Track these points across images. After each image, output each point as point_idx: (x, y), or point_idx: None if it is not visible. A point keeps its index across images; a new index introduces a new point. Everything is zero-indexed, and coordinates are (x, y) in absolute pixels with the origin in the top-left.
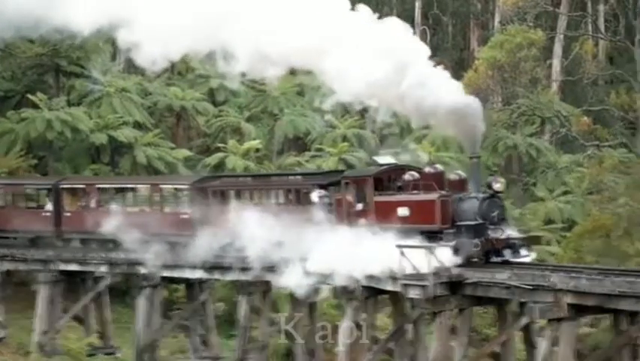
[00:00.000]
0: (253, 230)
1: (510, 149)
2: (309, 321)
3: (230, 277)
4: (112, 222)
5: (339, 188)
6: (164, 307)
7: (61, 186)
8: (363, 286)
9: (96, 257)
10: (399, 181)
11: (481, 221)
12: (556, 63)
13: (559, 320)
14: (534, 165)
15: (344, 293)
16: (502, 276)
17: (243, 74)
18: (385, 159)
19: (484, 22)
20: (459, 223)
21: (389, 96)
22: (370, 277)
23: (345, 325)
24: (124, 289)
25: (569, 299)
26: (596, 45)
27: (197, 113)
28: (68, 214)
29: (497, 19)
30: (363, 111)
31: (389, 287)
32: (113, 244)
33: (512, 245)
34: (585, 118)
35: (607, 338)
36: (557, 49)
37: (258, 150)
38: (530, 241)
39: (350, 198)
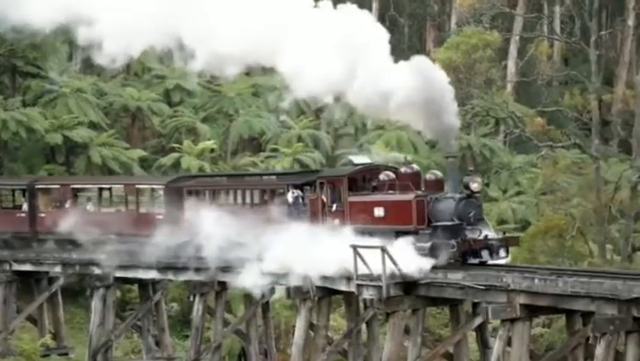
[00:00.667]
0: (220, 230)
1: (464, 149)
2: (263, 321)
3: (184, 277)
4: (87, 222)
5: (314, 188)
6: (118, 308)
7: (36, 187)
8: (318, 287)
9: (50, 257)
10: (374, 181)
11: (457, 222)
12: (511, 64)
13: (512, 320)
14: (488, 165)
15: (298, 294)
16: (455, 276)
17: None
18: (361, 158)
19: (441, 23)
20: (435, 224)
21: (351, 91)
22: (325, 278)
23: (299, 325)
24: (77, 290)
25: (522, 300)
26: (551, 46)
27: (152, 113)
28: (43, 215)
29: (454, 20)
30: (319, 112)
31: (343, 288)
32: (87, 244)
33: (490, 246)
34: (539, 119)
35: (560, 338)
36: (513, 50)
37: (212, 150)
38: (509, 242)
39: (325, 198)
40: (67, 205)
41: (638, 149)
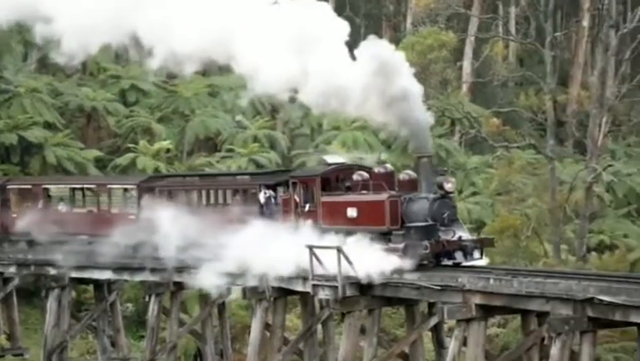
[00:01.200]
0: (187, 230)
1: None
2: (219, 322)
3: (139, 277)
4: (59, 223)
5: (286, 188)
6: (73, 308)
7: (8, 187)
8: (273, 287)
9: (4, 258)
10: (348, 181)
11: (431, 222)
12: (466, 65)
13: (468, 320)
14: (443, 165)
15: (254, 294)
16: (411, 276)
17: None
18: (334, 158)
19: (397, 24)
20: (408, 225)
21: (305, 87)
22: (280, 278)
23: (255, 325)
24: (32, 290)
25: (477, 300)
26: (506, 47)
27: (107, 113)
28: (14, 215)
29: (409, 21)
30: (274, 112)
31: (299, 288)
32: (58, 245)
33: (464, 247)
34: (494, 119)
35: (516, 339)
36: (468, 51)
37: (168, 150)
38: (483, 243)
39: (297, 198)
40: (39, 205)
41: (592, 149)
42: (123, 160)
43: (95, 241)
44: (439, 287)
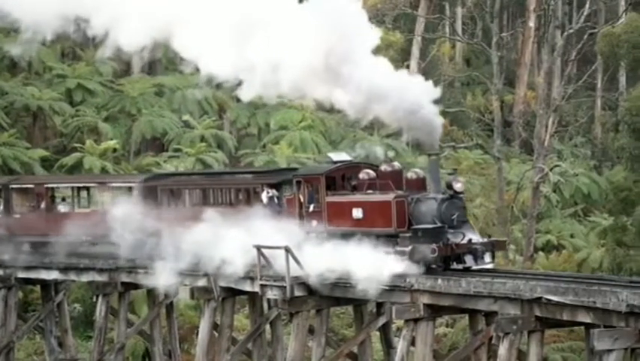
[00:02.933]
0: (183, 231)
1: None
2: (167, 322)
3: (86, 278)
4: (61, 224)
5: (290, 187)
6: (20, 309)
7: (11, 187)
8: (222, 287)
9: None
10: (354, 180)
11: (439, 224)
12: (413, 65)
13: (416, 320)
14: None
15: (202, 294)
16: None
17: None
18: (340, 155)
19: None
20: (415, 227)
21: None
22: (228, 278)
23: (203, 326)
24: None
25: (425, 300)
26: (453, 47)
27: (54, 113)
28: (17, 216)
29: None
30: (221, 112)
31: (247, 288)
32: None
33: (474, 250)
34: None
35: (464, 338)
36: (415, 51)
37: (115, 150)
38: (495, 246)
39: (302, 198)
40: (42, 206)
41: (539, 150)
42: (69, 160)
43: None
44: (387, 287)
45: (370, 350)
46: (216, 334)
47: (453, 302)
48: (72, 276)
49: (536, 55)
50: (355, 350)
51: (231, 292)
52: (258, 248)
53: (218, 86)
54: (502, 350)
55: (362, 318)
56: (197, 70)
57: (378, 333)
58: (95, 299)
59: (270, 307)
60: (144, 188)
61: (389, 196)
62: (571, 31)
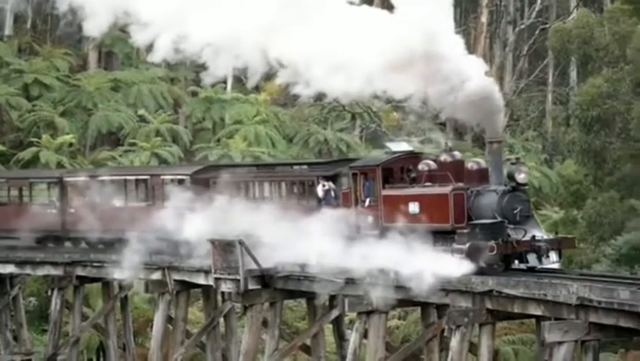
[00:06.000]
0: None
1: (321, 144)
2: (122, 315)
3: (42, 272)
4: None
5: (346, 180)
6: None
7: (65, 179)
8: (176, 280)
9: None
10: (414, 172)
11: (499, 219)
12: None
13: (368, 312)
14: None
15: (156, 287)
16: (313, 270)
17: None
18: (400, 145)
19: None
20: (474, 222)
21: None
22: (182, 271)
23: (158, 319)
24: None
25: (378, 293)
26: None
27: (10, 107)
28: (72, 210)
29: None
30: (177, 106)
31: (201, 281)
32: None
33: (538, 248)
34: (395, 114)
35: (416, 331)
36: None
37: (71, 144)
38: (561, 244)
39: (358, 191)
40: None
41: None
42: (26, 154)
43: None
44: (340, 280)
45: (323, 342)
46: (170, 327)
47: (405, 295)
48: (28, 270)
49: (488, 50)
50: (308, 342)
51: (185, 286)
52: (212, 242)
53: (173, 80)
54: (454, 342)
55: (315, 311)
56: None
57: (331, 326)
58: (50, 293)
59: (224, 301)
60: (196, 180)
61: (446, 189)
62: (522, 26)
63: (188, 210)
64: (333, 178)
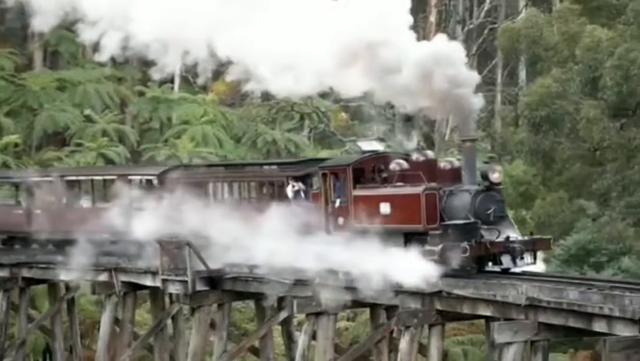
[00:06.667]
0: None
1: (269, 144)
2: (68, 317)
3: None
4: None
5: (316, 180)
6: None
7: (31, 180)
8: (123, 282)
9: None
10: (385, 172)
11: (472, 220)
12: None
13: (317, 314)
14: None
15: (103, 289)
16: (262, 271)
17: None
18: (371, 144)
19: None
20: (446, 223)
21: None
22: (129, 272)
23: (105, 321)
24: None
25: (327, 294)
26: None
27: None
28: (38, 211)
29: None
30: (123, 106)
31: (148, 283)
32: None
33: (512, 250)
34: (343, 114)
35: (365, 332)
36: None
37: (16, 144)
38: (536, 245)
39: (328, 192)
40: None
41: (440, 143)
42: None
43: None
44: (289, 281)
45: (272, 344)
46: (118, 329)
47: (354, 296)
48: None
49: None
50: (257, 344)
51: (133, 287)
52: (160, 243)
53: (120, 80)
54: (403, 343)
55: (264, 312)
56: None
57: (279, 327)
58: None
59: (171, 302)
60: (163, 180)
61: (418, 189)
62: (471, 26)
63: (155, 210)
64: (304, 178)
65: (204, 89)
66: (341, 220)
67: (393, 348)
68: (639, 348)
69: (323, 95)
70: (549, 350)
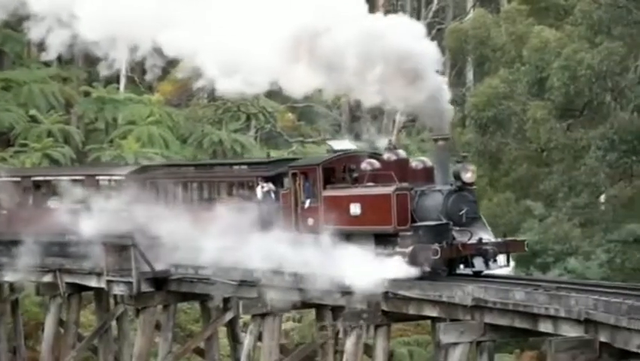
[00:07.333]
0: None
1: (215, 145)
2: (12, 319)
3: None
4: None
5: (287, 180)
6: None
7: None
8: (67, 283)
9: None
10: (356, 171)
11: (444, 221)
12: None
13: (263, 315)
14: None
15: (47, 290)
16: (206, 272)
17: None
18: (342, 144)
19: None
20: (417, 224)
21: None
22: (74, 274)
23: (49, 322)
24: None
25: (272, 295)
26: None
27: None
28: (4, 212)
29: None
30: (69, 107)
31: (93, 284)
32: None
33: (485, 252)
34: (290, 115)
35: (311, 333)
36: None
37: None
38: (510, 248)
39: (298, 192)
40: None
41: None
42: None
43: None
44: (234, 282)
45: (217, 345)
46: (62, 330)
47: (300, 297)
48: None
49: None
50: (202, 345)
51: (77, 288)
52: (105, 243)
53: (65, 80)
54: (349, 344)
55: (209, 313)
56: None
57: (225, 328)
58: None
59: (116, 304)
60: (132, 181)
61: (389, 189)
62: None
63: (123, 211)
64: (274, 179)
65: (150, 89)
66: (311, 221)
67: (339, 349)
68: (585, 349)
69: (270, 95)
70: (495, 351)
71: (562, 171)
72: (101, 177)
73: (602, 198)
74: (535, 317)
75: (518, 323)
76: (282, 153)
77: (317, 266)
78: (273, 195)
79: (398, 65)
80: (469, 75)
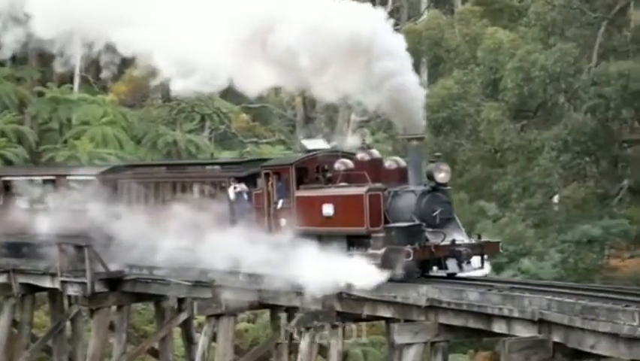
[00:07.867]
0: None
1: (170, 145)
2: None
3: None
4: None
5: (260, 180)
6: None
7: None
8: (21, 283)
9: None
10: (330, 171)
11: (416, 222)
12: None
13: (217, 315)
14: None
15: (1, 291)
16: (160, 272)
17: None
18: (316, 143)
19: None
20: (389, 226)
21: None
22: (28, 274)
23: (2, 323)
24: None
25: (227, 295)
26: None
27: None
28: None
29: None
30: (22, 106)
31: (47, 284)
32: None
33: (458, 254)
34: (244, 115)
35: (265, 333)
36: None
37: None
38: (485, 249)
39: (271, 193)
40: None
41: (342, 144)
42: None
43: None
44: (189, 283)
45: (171, 346)
46: (16, 331)
47: (254, 297)
48: None
49: None
50: (157, 346)
51: (31, 289)
52: (59, 244)
53: (19, 80)
54: (303, 344)
55: (163, 314)
56: None
57: (179, 329)
58: None
59: (70, 304)
60: (103, 181)
61: (362, 189)
62: None
63: (95, 212)
64: (247, 179)
65: (104, 89)
66: (283, 222)
67: (293, 349)
68: (538, 349)
69: (224, 96)
70: (449, 351)
71: (515, 171)
72: (71, 177)
73: (556, 198)
74: (489, 318)
75: (472, 324)
76: (237, 154)
77: (277, 267)
78: (245, 195)
79: (350, 47)
80: (424, 76)
